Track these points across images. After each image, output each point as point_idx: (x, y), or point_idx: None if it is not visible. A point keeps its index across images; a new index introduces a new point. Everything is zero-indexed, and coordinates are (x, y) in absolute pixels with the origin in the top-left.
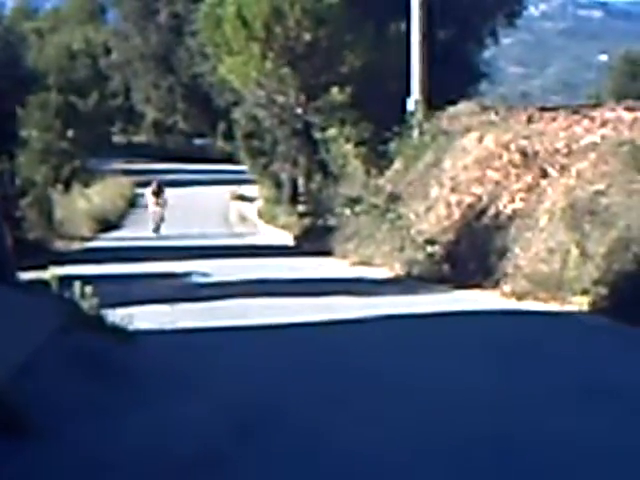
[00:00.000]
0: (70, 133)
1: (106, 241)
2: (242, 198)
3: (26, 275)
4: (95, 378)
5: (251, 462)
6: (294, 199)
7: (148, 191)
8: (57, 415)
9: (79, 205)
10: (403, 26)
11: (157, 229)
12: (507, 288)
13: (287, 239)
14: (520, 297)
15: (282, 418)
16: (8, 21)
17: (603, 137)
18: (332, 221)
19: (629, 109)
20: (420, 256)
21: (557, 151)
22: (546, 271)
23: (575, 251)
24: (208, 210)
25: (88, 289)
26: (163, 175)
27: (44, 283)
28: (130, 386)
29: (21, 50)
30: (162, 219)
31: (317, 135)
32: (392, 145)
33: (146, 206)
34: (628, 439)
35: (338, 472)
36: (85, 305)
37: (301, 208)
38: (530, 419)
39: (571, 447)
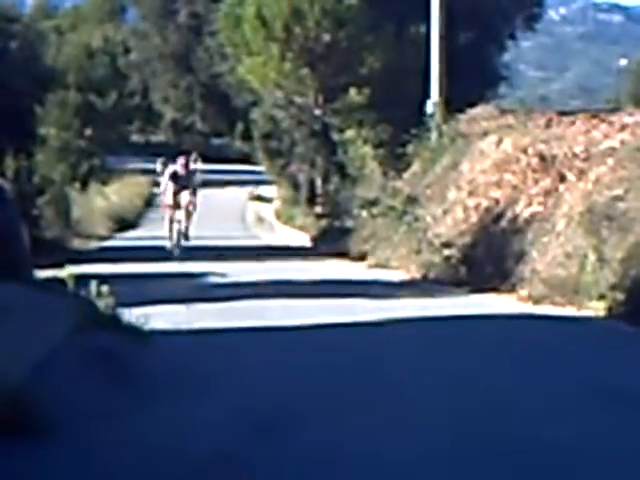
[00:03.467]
0: (88, 131)
1: (123, 240)
2: (259, 199)
3: (43, 273)
4: (110, 378)
5: (267, 465)
6: (311, 200)
7: (167, 173)
8: (72, 415)
9: (96, 204)
10: (423, 28)
11: (178, 246)
12: (524, 292)
13: (304, 240)
14: (537, 301)
15: (298, 421)
16: (28, 19)
17: (622, 142)
18: (349, 223)
19: None
20: (437, 259)
21: (575, 155)
22: (563, 276)
23: (592, 256)
24: (225, 210)
25: (104, 288)
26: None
27: (61, 281)
28: (145, 386)
29: (40, 48)
30: (187, 233)
31: (335, 136)
32: (410, 147)
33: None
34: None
35: (354, 477)
36: (101, 304)
37: (318, 209)
38: (544, 422)
39: (575, 451)
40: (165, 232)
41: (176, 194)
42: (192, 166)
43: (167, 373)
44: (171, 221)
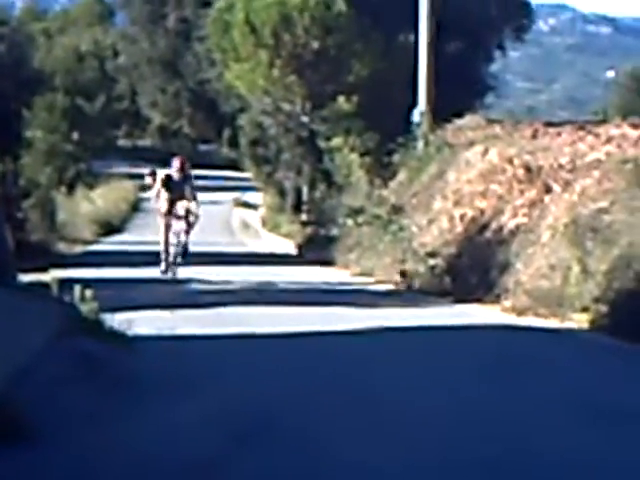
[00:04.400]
0: (75, 135)
1: (108, 245)
2: (245, 205)
3: (27, 277)
4: (93, 383)
5: (245, 471)
6: (297, 208)
7: (158, 179)
8: (54, 420)
9: (82, 208)
10: (411, 37)
11: (174, 264)
12: (508, 303)
13: (289, 247)
14: (520, 312)
15: (278, 427)
16: (16, 22)
17: (607, 154)
18: (335, 231)
19: (634, 126)
20: (421, 268)
21: (561, 167)
22: (547, 287)
23: (576, 268)
24: (211, 216)
25: (88, 293)
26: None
27: (44, 286)
28: (127, 392)
29: (28, 51)
30: (185, 249)
31: (322, 144)
32: (396, 156)
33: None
34: (622, 456)
35: None
36: (85, 309)
37: (304, 217)
38: (522, 434)
39: (562, 464)
40: (160, 247)
41: (172, 203)
42: (188, 170)
43: (149, 379)
44: (166, 235)
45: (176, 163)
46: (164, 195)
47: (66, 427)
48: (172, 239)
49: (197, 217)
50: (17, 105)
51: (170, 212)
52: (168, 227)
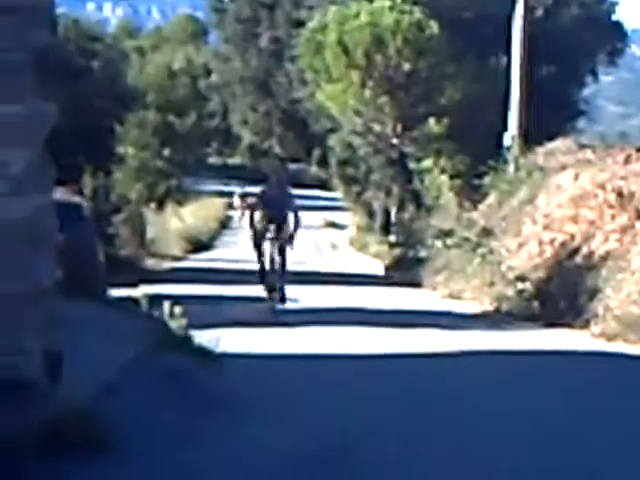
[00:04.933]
0: (166, 152)
1: (197, 262)
2: (334, 225)
3: (117, 292)
4: (179, 401)
5: None
6: (386, 228)
7: (237, 200)
8: (139, 436)
9: (172, 224)
10: (504, 60)
11: (282, 299)
12: (597, 329)
13: (378, 268)
14: (610, 339)
15: (366, 449)
16: (111, 39)
17: None
18: (423, 252)
19: None
20: (510, 292)
21: None
22: (637, 314)
23: None
24: (299, 235)
25: (177, 309)
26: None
27: (134, 301)
28: (213, 411)
29: (122, 68)
30: (284, 275)
31: (412, 165)
32: (487, 179)
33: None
34: None
35: None
36: (174, 325)
37: (392, 238)
38: (607, 463)
39: None
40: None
41: (268, 222)
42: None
43: (236, 397)
44: (261, 262)
45: (274, 179)
46: (257, 217)
47: (150, 443)
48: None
49: (292, 236)
50: (110, 121)
51: (264, 235)
52: (263, 254)
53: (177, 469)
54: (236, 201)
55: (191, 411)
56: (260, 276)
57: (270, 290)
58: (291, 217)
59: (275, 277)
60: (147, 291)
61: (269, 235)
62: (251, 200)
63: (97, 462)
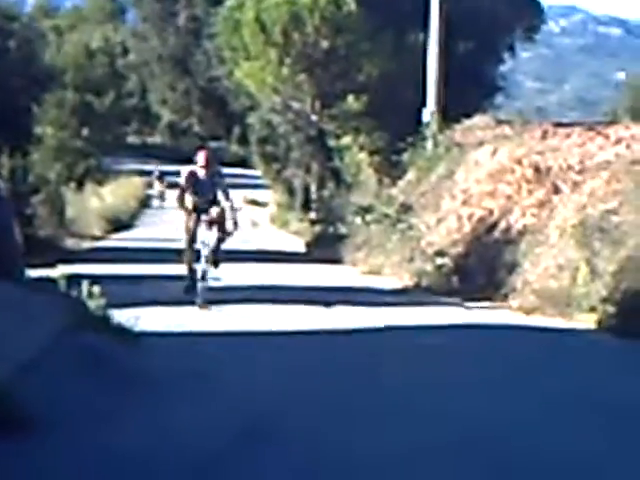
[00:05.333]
0: (85, 132)
1: (117, 241)
2: (254, 203)
3: (35, 273)
4: (97, 378)
5: (249, 468)
6: (306, 206)
7: (183, 174)
8: (56, 413)
9: (91, 204)
10: (421, 37)
11: (201, 281)
12: (515, 303)
13: (298, 245)
14: (528, 312)
15: (284, 423)
16: (27, 18)
17: (616, 155)
18: (343, 229)
19: None
20: (429, 267)
21: (570, 168)
22: (555, 287)
23: (584, 268)
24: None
25: (96, 289)
26: (176, 177)
27: (52, 281)
28: (133, 388)
29: (39, 47)
30: (216, 260)
31: (331, 143)
32: (406, 155)
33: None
34: (627, 453)
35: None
36: (92, 305)
37: (313, 215)
38: (527, 432)
39: (562, 460)
40: (184, 263)
41: (199, 209)
42: (216, 165)
43: (155, 375)
44: (190, 250)
45: (201, 157)
46: (189, 199)
47: (67, 420)
48: (203, 250)
49: (236, 225)
50: (27, 101)
51: (197, 221)
52: (193, 240)
53: (96, 447)
54: (156, 186)
55: (109, 389)
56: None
57: (193, 283)
58: (221, 198)
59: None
60: (65, 271)
61: (204, 217)
62: (178, 180)
63: (14, 441)
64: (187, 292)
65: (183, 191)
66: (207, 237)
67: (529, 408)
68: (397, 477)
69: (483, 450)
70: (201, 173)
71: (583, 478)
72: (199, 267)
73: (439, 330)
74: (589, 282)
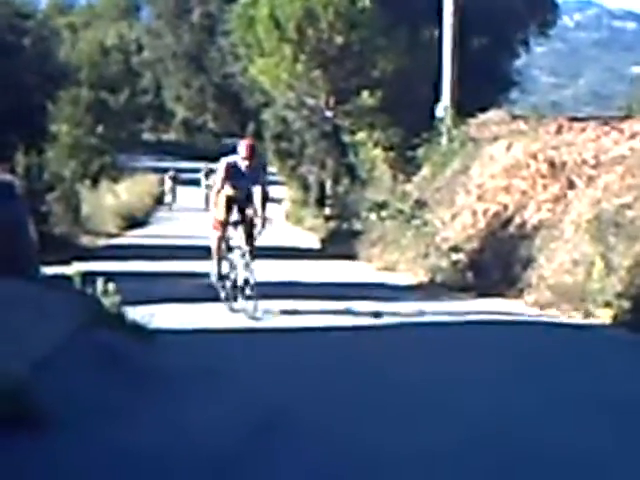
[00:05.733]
0: (100, 129)
1: (131, 238)
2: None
3: (50, 270)
4: (111, 375)
5: (267, 463)
6: (321, 202)
7: (222, 166)
8: (72, 411)
9: (106, 201)
10: (436, 32)
11: (241, 296)
12: (530, 298)
13: (313, 242)
14: (543, 307)
15: (298, 419)
16: (42, 16)
17: (631, 149)
18: (358, 225)
19: None
20: (444, 263)
21: (585, 162)
22: (570, 282)
23: (599, 263)
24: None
25: (110, 286)
26: (191, 174)
27: (67, 279)
28: (148, 385)
29: (54, 45)
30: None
31: (346, 139)
32: (420, 151)
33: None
34: (626, 450)
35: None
36: (107, 302)
37: (328, 211)
38: (545, 427)
39: (569, 450)
40: (212, 269)
41: (232, 204)
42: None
43: (169, 372)
44: (219, 252)
45: (243, 148)
46: (222, 197)
47: (82, 417)
48: (236, 257)
49: (265, 223)
50: (42, 99)
51: (228, 220)
52: (223, 242)
53: (110, 444)
54: (168, 185)
55: (124, 386)
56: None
57: (233, 293)
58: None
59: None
60: (80, 268)
61: (233, 219)
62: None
63: (30, 438)
64: (230, 306)
65: (219, 188)
66: (238, 240)
67: (541, 403)
68: (410, 471)
69: (492, 446)
70: (243, 165)
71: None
72: (239, 276)
73: (453, 326)
74: (604, 277)
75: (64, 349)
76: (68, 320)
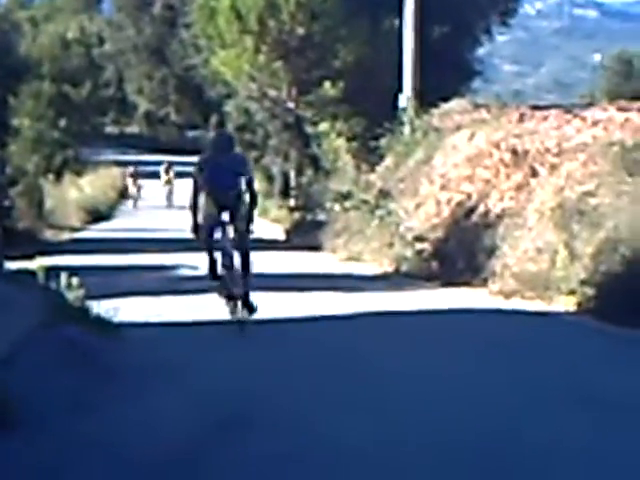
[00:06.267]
0: (62, 122)
1: (96, 232)
2: None
3: (13, 265)
4: (77, 370)
5: (228, 457)
6: (285, 193)
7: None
8: (37, 407)
9: (70, 195)
10: (397, 22)
11: (249, 307)
12: (495, 287)
13: (278, 233)
14: (507, 296)
15: (259, 412)
16: (2, 9)
17: (594, 137)
18: (322, 216)
19: (621, 109)
20: (409, 253)
21: (547, 150)
22: (534, 270)
23: (563, 251)
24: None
25: (74, 280)
26: (155, 167)
27: (31, 273)
28: (112, 380)
29: (14, 38)
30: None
31: (309, 129)
32: (383, 141)
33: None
34: (605, 442)
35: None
36: (71, 296)
37: (292, 202)
38: (506, 415)
39: (544, 445)
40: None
41: (222, 203)
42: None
43: (134, 366)
44: (211, 259)
45: (220, 139)
46: (203, 195)
47: (49, 414)
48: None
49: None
50: (3, 93)
51: (217, 223)
52: (213, 247)
53: (78, 438)
54: (130, 183)
55: (89, 380)
56: (212, 275)
57: (229, 297)
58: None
59: (235, 277)
60: (44, 263)
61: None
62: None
63: None
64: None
65: (197, 186)
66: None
67: (505, 389)
68: (373, 463)
69: (454, 433)
70: (221, 158)
71: (548, 458)
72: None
73: (420, 315)
74: (568, 265)
75: (28, 345)
76: (32, 315)
